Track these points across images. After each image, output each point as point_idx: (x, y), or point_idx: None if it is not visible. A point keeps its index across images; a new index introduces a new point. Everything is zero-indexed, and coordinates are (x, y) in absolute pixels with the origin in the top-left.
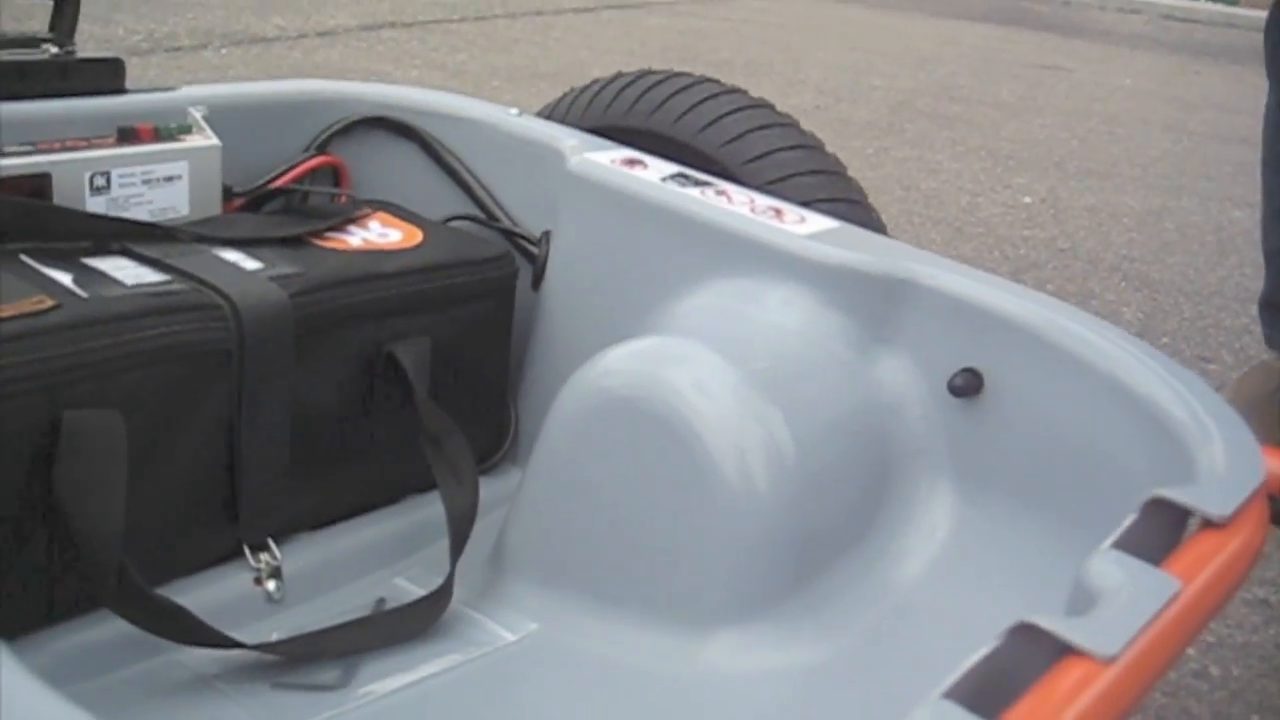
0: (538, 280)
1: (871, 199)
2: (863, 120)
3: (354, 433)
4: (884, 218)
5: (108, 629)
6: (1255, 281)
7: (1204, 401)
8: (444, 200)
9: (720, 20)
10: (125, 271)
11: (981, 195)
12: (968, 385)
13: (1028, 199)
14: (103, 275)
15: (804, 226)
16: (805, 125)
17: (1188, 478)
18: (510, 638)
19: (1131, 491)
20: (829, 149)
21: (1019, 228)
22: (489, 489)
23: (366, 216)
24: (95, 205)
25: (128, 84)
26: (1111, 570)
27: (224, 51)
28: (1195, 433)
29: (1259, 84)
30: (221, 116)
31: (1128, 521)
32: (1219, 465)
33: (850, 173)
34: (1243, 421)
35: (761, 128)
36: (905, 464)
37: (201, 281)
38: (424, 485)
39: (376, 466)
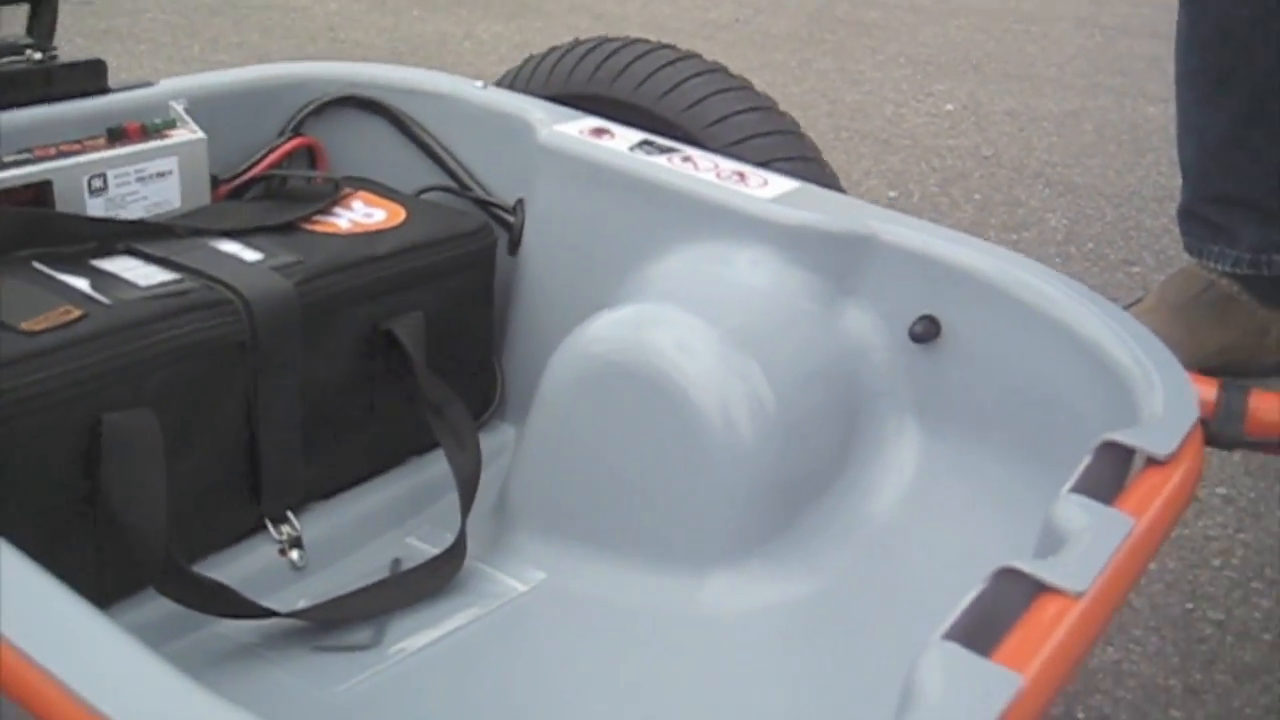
0: (515, 246)
1: (798, 115)
2: (783, 32)
3: (358, 406)
4: (812, 134)
5: (150, 609)
6: (1172, 179)
7: (1144, 345)
8: (418, 173)
9: None
10: (135, 272)
11: (905, 105)
12: (926, 332)
13: (950, 106)
14: (116, 278)
15: (767, 190)
16: (726, 40)
17: (1131, 417)
18: (522, 588)
19: (1080, 428)
20: (752, 64)
21: (943, 137)
22: (483, 445)
23: (349, 196)
24: (95, 206)
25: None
26: (1075, 513)
27: None
28: (1138, 375)
29: None
30: (200, 107)
31: (1083, 465)
32: (1159, 405)
33: (775, 88)
34: (1178, 361)
35: (719, 92)
36: (873, 406)
37: (210, 278)
38: (424, 447)
39: (380, 434)
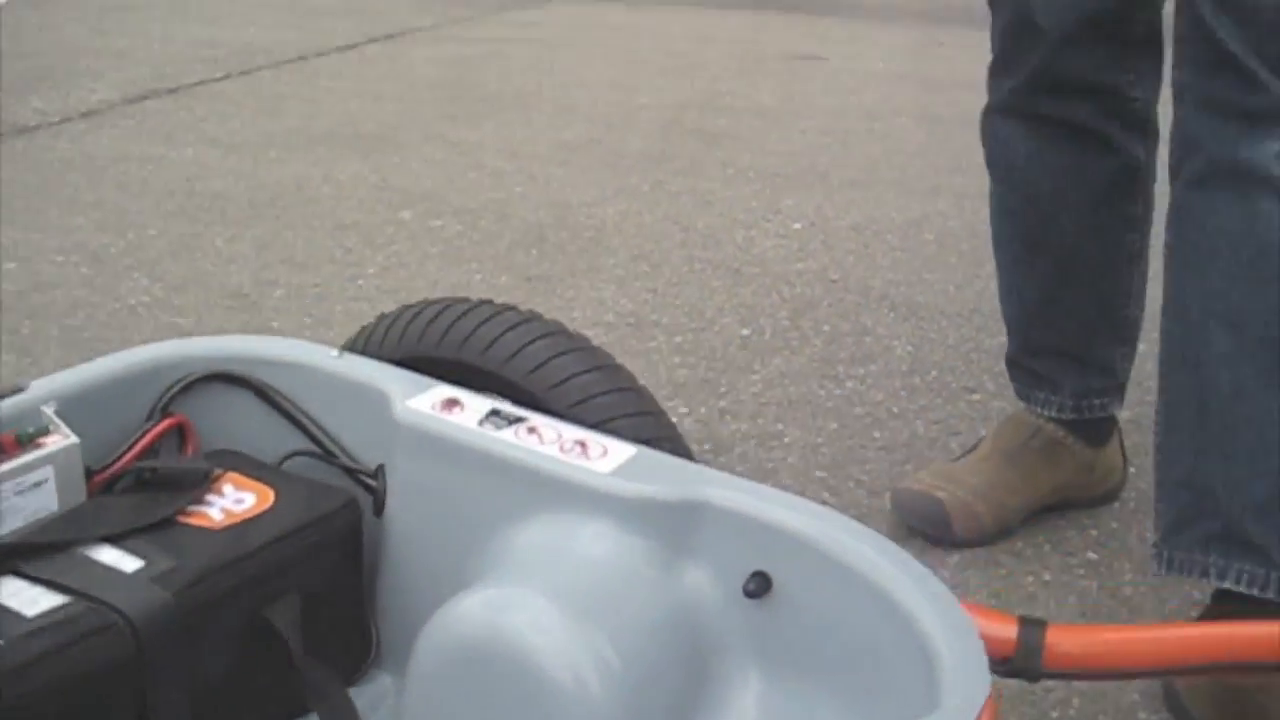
0: (379, 509)
1: (651, 246)
2: (635, 151)
3: (242, 687)
4: (666, 265)
5: None
6: None
7: (948, 616)
8: (284, 439)
9: (484, 44)
10: (20, 597)
11: (755, 227)
12: (759, 588)
13: (797, 225)
14: (3, 609)
15: (606, 461)
16: (580, 164)
17: (935, 686)
18: None
19: (896, 682)
20: (606, 191)
21: (792, 261)
22: (363, 696)
23: (219, 480)
24: None
25: None
26: None
27: None
28: (941, 650)
29: None
30: (70, 404)
31: None
32: (958, 683)
33: (629, 218)
34: (974, 631)
35: (560, 354)
36: (714, 658)
37: (94, 599)
38: (303, 708)
39: (262, 705)
